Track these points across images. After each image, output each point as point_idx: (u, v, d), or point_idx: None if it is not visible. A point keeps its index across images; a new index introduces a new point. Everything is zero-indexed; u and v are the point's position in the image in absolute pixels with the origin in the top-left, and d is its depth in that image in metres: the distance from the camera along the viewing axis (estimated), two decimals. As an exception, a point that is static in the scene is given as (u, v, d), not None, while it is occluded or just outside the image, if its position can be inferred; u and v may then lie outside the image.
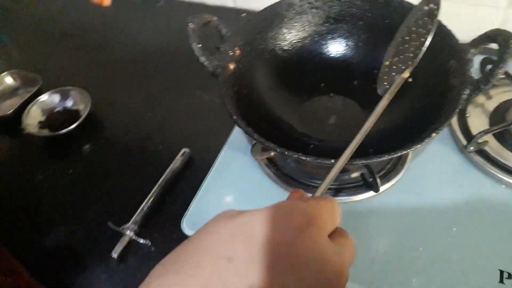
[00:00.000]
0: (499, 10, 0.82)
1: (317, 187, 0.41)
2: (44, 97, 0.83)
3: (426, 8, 0.57)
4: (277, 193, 0.62)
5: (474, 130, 0.65)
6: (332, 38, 0.69)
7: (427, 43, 0.55)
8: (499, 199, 0.59)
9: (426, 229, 0.57)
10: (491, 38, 0.53)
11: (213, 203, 0.63)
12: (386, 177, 0.62)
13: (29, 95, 0.83)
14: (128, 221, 0.64)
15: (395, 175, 0.62)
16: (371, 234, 0.57)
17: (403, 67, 0.57)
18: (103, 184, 0.71)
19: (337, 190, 0.61)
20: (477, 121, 0.67)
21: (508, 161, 0.61)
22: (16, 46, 1.09)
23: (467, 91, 0.52)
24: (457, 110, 0.51)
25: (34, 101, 0.82)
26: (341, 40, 0.69)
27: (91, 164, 0.75)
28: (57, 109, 0.83)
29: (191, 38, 0.57)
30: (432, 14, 0.56)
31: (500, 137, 0.64)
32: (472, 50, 0.54)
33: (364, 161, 0.48)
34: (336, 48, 0.69)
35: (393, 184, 0.61)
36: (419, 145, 0.49)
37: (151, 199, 0.67)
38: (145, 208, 0.66)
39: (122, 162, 0.75)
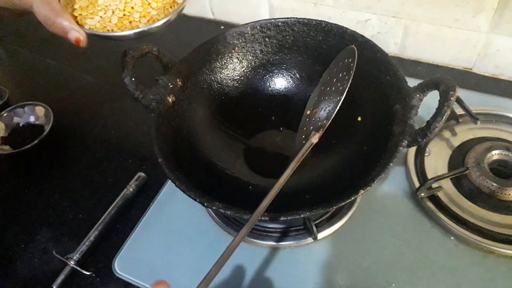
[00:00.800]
0: (481, 34, 0.77)
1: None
2: (8, 112, 0.82)
3: (346, 61, 0.54)
4: (219, 237, 0.60)
5: (430, 173, 0.61)
6: (286, 69, 0.66)
7: (338, 105, 0.51)
8: (446, 253, 0.55)
9: (363, 284, 0.53)
10: (434, 85, 0.49)
11: (148, 243, 0.61)
12: (330, 221, 0.59)
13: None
14: (75, 248, 0.63)
15: (338, 220, 0.58)
16: (305, 285, 0.54)
17: (318, 125, 0.54)
18: (57, 206, 0.70)
19: (283, 233, 0.59)
20: (436, 162, 0.63)
21: (461, 209, 0.58)
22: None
23: (404, 143, 0.48)
24: (391, 165, 0.47)
25: (-1, 114, 0.81)
26: (294, 71, 0.65)
27: (48, 184, 0.74)
28: (21, 124, 0.82)
29: (124, 71, 0.54)
30: (349, 68, 0.52)
31: (457, 182, 0.60)
32: (418, 95, 0.51)
33: (284, 217, 0.45)
34: (289, 79, 0.66)
35: (336, 230, 0.58)
36: (343, 202, 0.46)
37: (100, 226, 0.65)
38: (92, 236, 0.64)
39: (79, 184, 0.73)
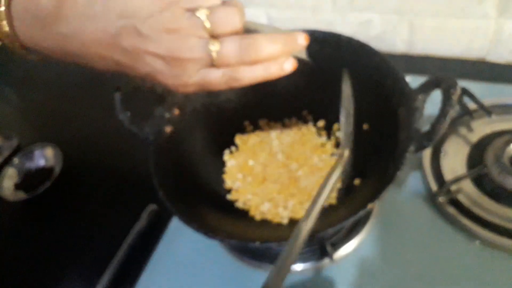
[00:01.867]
0: (490, 21, 0.73)
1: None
2: (19, 157, 0.82)
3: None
4: (233, 267, 0.58)
5: (448, 175, 0.58)
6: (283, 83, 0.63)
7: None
8: (472, 259, 0.51)
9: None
10: (435, 84, 0.46)
11: (161, 278, 0.59)
12: (346, 238, 0.56)
13: (5, 156, 0.83)
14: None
15: (355, 236, 0.56)
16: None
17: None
18: (72, 247, 0.70)
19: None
20: (453, 162, 0.59)
21: (485, 210, 0.54)
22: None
23: (411, 149, 0.46)
24: (398, 174, 0.44)
25: (10, 162, 0.82)
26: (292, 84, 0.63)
27: (62, 227, 0.74)
28: (32, 168, 0.82)
29: (117, 108, 0.53)
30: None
31: (478, 181, 0.57)
32: (420, 97, 0.48)
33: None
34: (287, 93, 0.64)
35: (354, 248, 0.55)
36: (352, 219, 0.44)
37: (113, 266, 0.63)
38: (106, 278, 0.63)
39: (92, 223, 0.73)
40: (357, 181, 0.55)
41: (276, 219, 0.55)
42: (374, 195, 0.44)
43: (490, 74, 0.76)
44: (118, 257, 0.65)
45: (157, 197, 0.70)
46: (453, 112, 0.46)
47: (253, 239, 0.43)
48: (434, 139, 0.44)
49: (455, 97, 0.43)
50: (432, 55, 0.83)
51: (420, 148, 0.45)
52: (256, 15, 0.91)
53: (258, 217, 0.55)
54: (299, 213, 0.54)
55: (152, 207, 0.70)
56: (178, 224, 0.63)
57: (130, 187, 0.76)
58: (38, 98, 1.03)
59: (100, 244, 0.69)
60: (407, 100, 0.49)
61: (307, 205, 0.52)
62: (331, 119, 0.62)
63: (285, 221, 0.54)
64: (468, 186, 0.56)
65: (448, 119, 0.43)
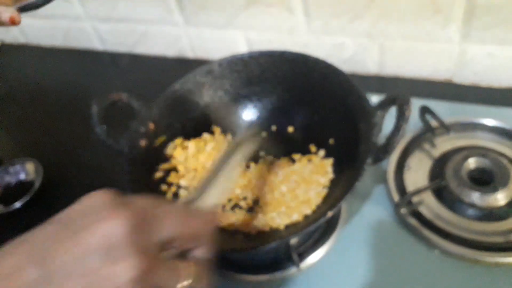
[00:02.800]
0: (454, 45, 0.77)
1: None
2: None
3: None
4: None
5: (411, 187, 0.61)
6: (258, 100, 0.67)
7: None
8: (431, 268, 0.54)
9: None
10: (392, 101, 0.49)
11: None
12: (313, 247, 0.58)
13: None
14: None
15: (321, 246, 0.58)
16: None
17: None
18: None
19: (265, 266, 0.58)
20: (416, 176, 0.62)
21: (444, 221, 0.57)
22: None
23: (369, 161, 0.49)
24: (356, 184, 0.47)
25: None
26: (266, 101, 0.67)
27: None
28: (12, 182, 0.84)
29: (94, 122, 0.56)
30: None
31: (438, 195, 0.60)
32: (379, 113, 0.51)
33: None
34: (261, 110, 0.67)
35: (320, 257, 0.57)
36: (312, 227, 0.46)
37: None
38: None
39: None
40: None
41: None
42: (334, 203, 0.47)
43: (456, 94, 0.80)
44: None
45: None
46: (413, 128, 0.49)
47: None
48: (390, 152, 0.47)
49: (407, 113, 0.46)
50: (402, 76, 0.87)
51: (377, 160, 0.48)
52: (234, 38, 0.95)
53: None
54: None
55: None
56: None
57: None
58: (19, 113, 1.05)
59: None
60: (367, 116, 0.52)
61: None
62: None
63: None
64: (429, 198, 0.59)
65: (401, 134, 0.46)
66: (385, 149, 0.47)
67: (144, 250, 0.28)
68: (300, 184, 0.57)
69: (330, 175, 0.57)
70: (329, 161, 0.58)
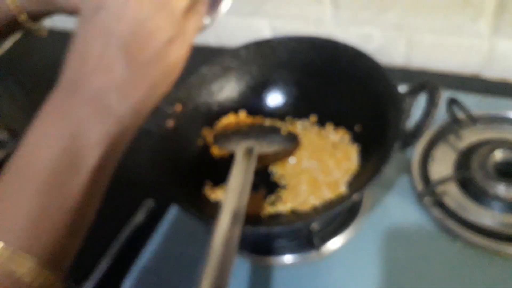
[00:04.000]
0: (484, 39, 0.77)
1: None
2: None
3: None
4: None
5: (435, 177, 0.60)
6: (283, 86, 0.67)
7: None
8: (453, 258, 0.54)
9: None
10: (421, 88, 0.49)
11: (155, 270, 0.61)
12: (335, 234, 0.58)
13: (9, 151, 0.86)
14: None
15: (343, 232, 0.58)
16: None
17: None
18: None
19: (285, 248, 0.58)
20: (440, 167, 0.62)
21: (468, 212, 0.56)
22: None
23: (395, 147, 0.48)
24: (383, 170, 0.47)
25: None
26: (291, 87, 0.67)
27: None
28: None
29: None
30: None
31: (463, 186, 0.59)
32: (408, 100, 0.51)
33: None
34: (286, 96, 0.67)
35: (342, 244, 0.58)
36: (335, 210, 0.47)
37: (107, 258, 0.65)
38: (101, 268, 0.64)
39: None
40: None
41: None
42: (361, 187, 0.47)
43: (483, 88, 0.79)
44: (113, 250, 0.66)
45: (153, 192, 0.73)
46: (439, 121, 0.48)
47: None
48: (418, 137, 0.47)
49: (437, 98, 0.46)
50: (429, 70, 0.86)
51: (405, 145, 0.48)
52: (260, 26, 0.95)
53: None
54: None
55: (148, 201, 0.72)
56: (173, 219, 0.66)
57: (127, 182, 0.78)
58: (43, 96, 1.07)
59: (96, 237, 0.71)
60: (396, 102, 0.52)
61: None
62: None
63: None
64: (453, 189, 0.59)
65: (430, 120, 0.46)
66: (414, 134, 0.47)
67: None
68: (325, 169, 0.57)
69: (356, 161, 0.57)
70: (355, 148, 0.58)
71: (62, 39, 1.08)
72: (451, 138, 0.65)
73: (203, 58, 0.64)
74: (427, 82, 0.48)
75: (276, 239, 0.58)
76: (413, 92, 0.51)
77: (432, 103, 0.46)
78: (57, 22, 1.26)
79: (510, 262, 0.52)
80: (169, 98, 0.60)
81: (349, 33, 0.87)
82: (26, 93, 1.13)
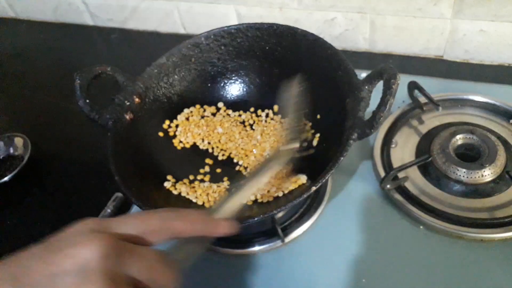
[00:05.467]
0: (446, 21, 0.77)
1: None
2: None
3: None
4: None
5: (397, 164, 0.60)
6: (245, 74, 0.66)
7: None
8: (415, 243, 0.54)
9: (334, 282, 0.53)
10: (379, 75, 0.48)
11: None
12: (299, 222, 0.58)
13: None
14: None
15: (307, 220, 0.58)
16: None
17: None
18: (39, 234, 0.70)
19: (250, 239, 0.58)
20: (403, 153, 0.62)
21: (429, 197, 0.57)
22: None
23: (355, 136, 0.48)
24: (342, 159, 0.47)
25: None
26: (253, 76, 0.66)
27: (29, 213, 0.75)
28: (1, 156, 0.83)
29: (77, 94, 0.55)
30: None
31: (424, 171, 0.59)
32: (367, 87, 0.50)
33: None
34: (249, 85, 0.66)
35: (305, 231, 0.57)
36: (295, 201, 0.46)
37: None
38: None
39: (60, 210, 0.74)
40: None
41: None
42: (318, 179, 0.47)
43: (447, 71, 0.79)
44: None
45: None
46: (402, 105, 0.47)
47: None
48: (376, 127, 0.46)
49: (395, 87, 0.45)
50: (393, 53, 0.86)
51: (363, 135, 0.48)
52: (225, 12, 0.93)
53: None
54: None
55: (117, 195, 0.71)
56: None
57: (97, 176, 0.77)
58: (7, 88, 1.04)
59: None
60: (354, 91, 0.51)
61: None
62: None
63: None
64: (415, 174, 0.59)
65: (388, 108, 0.46)
66: (371, 124, 0.46)
67: (113, 277, 0.29)
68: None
69: (316, 150, 0.57)
70: (316, 136, 0.58)
71: (25, 29, 1.04)
72: (414, 122, 0.65)
73: (169, 47, 0.63)
74: (385, 69, 0.47)
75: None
76: (371, 79, 0.50)
77: (389, 92, 0.46)
78: (20, 12, 1.22)
79: (472, 246, 0.53)
80: (127, 91, 0.59)
81: (313, 17, 0.86)
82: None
